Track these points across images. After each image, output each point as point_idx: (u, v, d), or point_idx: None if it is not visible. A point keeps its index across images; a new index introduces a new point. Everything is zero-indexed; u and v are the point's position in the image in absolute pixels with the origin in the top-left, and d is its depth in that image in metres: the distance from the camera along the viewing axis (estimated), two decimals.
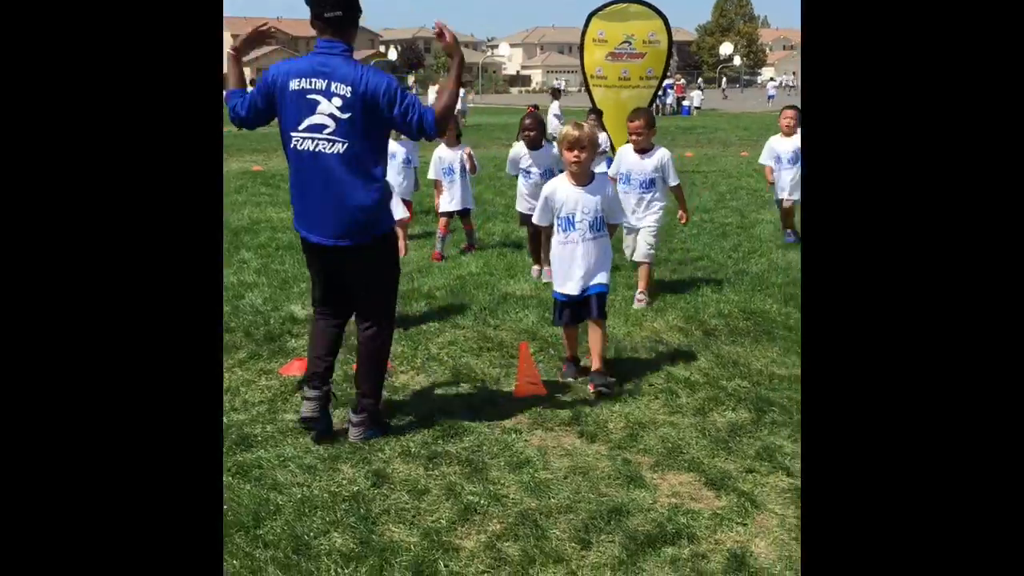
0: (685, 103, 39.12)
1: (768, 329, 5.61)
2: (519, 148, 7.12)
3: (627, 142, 6.47)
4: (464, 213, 8.16)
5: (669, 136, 23.69)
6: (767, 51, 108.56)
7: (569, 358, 4.84)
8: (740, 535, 3.15)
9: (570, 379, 4.71)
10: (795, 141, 8.45)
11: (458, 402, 4.44)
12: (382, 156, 3.85)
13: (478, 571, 2.92)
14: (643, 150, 6.25)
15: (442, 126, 3.78)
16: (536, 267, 7.14)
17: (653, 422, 4.16)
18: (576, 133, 4.49)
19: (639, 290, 6.24)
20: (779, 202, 8.73)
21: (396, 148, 8.77)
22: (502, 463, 3.73)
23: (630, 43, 11.51)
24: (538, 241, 6.87)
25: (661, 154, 6.24)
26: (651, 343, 5.35)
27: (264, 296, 6.51)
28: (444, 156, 8.01)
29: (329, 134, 3.68)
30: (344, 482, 3.56)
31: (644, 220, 6.28)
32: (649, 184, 6.23)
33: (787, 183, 8.50)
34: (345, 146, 3.67)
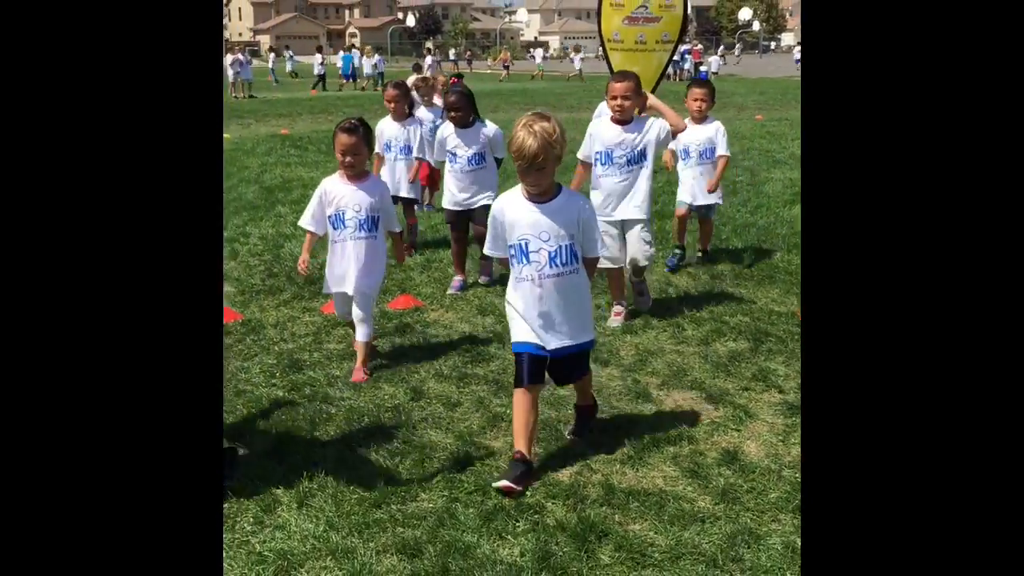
0: (703, 68, 39.18)
1: (771, 274, 6.03)
2: (445, 127, 5.89)
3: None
4: (400, 202, 6.43)
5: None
6: (787, 16, 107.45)
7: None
8: (734, 438, 3.61)
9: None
10: (707, 130, 6.24)
11: (483, 333, 4.91)
12: None
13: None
14: (624, 121, 4.86)
15: None
16: (457, 278, 5.86)
17: (661, 350, 4.61)
18: (534, 147, 3.13)
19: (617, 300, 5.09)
20: (691, 210, 6.28)
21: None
22: None
23: (646, 7, 11.69)
24: (462, 246, 5.89)
25: (659, 125, 4.83)
26: (661, 285, 5.78)
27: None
28: (385, 130, 6.82)
29: None
30: (386, 397, 4.04)
31: (630, 210, 4.87)
32: (638, 157, 4.84)
33: (691, 184, 6.23)
34: None
